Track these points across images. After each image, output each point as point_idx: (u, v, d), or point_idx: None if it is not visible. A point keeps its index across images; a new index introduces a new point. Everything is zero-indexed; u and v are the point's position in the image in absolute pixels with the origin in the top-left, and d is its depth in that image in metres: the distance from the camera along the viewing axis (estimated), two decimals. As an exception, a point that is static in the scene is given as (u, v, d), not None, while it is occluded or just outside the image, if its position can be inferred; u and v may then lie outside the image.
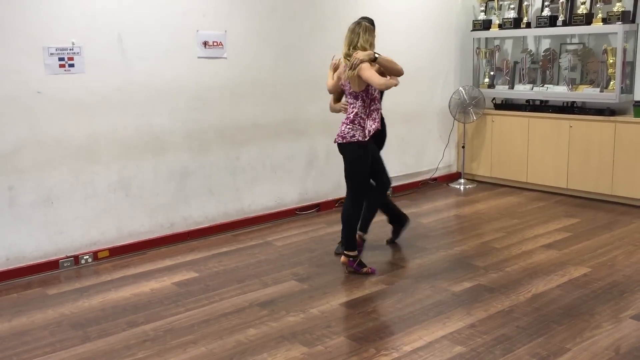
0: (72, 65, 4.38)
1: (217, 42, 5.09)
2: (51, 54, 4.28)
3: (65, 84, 4.37)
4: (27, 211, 4.33)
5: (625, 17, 5.65)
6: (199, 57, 5.02)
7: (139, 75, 4.71)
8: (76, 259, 4.57)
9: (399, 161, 6.66)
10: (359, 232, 4.44)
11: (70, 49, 4.36)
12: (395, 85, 4.13)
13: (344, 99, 4.34)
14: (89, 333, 3.45)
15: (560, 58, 6.31)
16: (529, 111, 6.50)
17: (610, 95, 5.77)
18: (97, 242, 4.67)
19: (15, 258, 4.32)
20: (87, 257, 4.61)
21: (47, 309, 3.82)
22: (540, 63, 6.48)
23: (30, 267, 4.38)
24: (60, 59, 4.33)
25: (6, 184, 4.22)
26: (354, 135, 4.11)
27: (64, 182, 4.46)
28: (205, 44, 5.03)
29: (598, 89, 5.91)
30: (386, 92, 6.73)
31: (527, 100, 6.58)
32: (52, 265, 4.47)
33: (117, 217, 4.75)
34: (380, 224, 4.89)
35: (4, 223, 4.24)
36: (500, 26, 6.65)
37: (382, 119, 4.33)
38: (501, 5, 6.76)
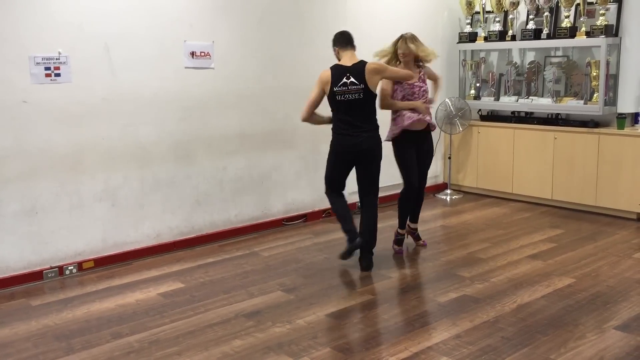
0: (58, 75, 4.36)
1: (204, 53, 5.10)
2: (37, 63, 4.27)
3: (51, 94, 4.35)
4: (11, 221, 4.29)
5: (609, 30, 5.73)
6: (186, 67, 5.02)
7: (126, 85, 4.70)
8: (60, 269, 4.53)
9: (386, 172, 6.59)
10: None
11: (56, 59, 4.35)
12: None
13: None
14: (73, 344, 3.42)
15: (544, 70, 6.38)
16: (514, 123, 6.56)
17: (594, 108, 5.85)
18: (82, 252, 4.64)
19: (-2, 269, 4.29)
20: (72, 267, 4.57)
21: (31, 320, 3.78)
22: (525, 75, 6.55)
23: (13, 278, 4.33)
24: (47, 69, 4.31)
25: (-10, 194, 4.19)
26: None
27: (49, 192, 4.43)
28: (192, 54, 5.03)
29: (582, 102, 5.98)
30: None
31: (513, 112, 6.65)
32: (36, 275, 4.43)
33: (102, 228, 4.72)
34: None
35: (-13, 233, 4.21)
36: (486, 39, 6.72)
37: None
38: (487, 18, 6.83)
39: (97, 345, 3.40)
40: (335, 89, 4.31)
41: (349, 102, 4.32)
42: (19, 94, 4.23)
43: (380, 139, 4.50)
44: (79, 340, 3.47)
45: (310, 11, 5.82)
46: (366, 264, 4.53)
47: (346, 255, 4.48)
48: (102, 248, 4.73)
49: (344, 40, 4.43)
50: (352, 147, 4.39)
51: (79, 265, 4.61)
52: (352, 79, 4.29)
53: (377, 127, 4.49)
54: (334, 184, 4.60)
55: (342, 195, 4.63)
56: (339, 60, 4.44)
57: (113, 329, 3.62)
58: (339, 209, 4.59)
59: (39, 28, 4.27)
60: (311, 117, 4.48)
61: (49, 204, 4.44)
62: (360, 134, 4.38)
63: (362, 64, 4.34)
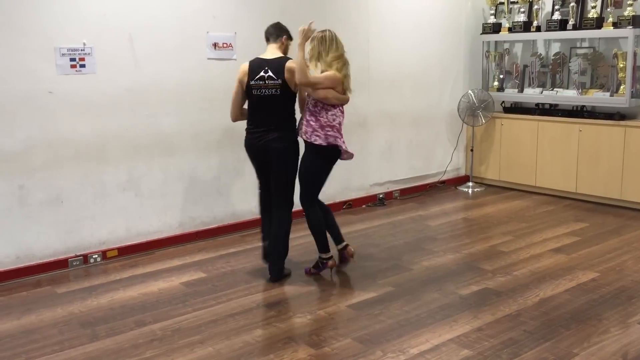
0: (83, 66, 4.41)
1: (226, 44, 5.11)
2: (63, 54, 4.32)
3: (76, 84, 4.40)
4: (37, 210, 4.36)
5: (636, 21, 5.62)
6: (208, 59, 5.04)
7: (149, 76, 4.74)
8: (85, 258, 4.60)
9: (408, 164, 6.66)
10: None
11: (81, 50, 4.40)
12: None
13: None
14: (98, 332, 3.47)
15: (570, 62, 6.29)
16: (539, 115, 6.48)
17: (620, 100, 5.75)
18: (106, 241, 4.70)
19: (25, 256, 4.35)
20: (96, 256, 4.64)
21: (56, 307, 3.84)
22: (550, 67, 6.46)
23: (39, 266, 4.41)
24: (72, 60, 4.36)
25: (17, 183, 4.25)
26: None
27: (73, 182, 4.49)
28: (215, 45, 5.05)
29: (608, 93, 5.88)
30: (396, 94, 6.73)
31: (537, 104, 6.56)
32: (62, 264, 4.50)
33: (126, 217, 4.77)
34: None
35: (14, 222, 4.28)
36: (510, 29, 6.64)
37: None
38: (511, 8, 6.74)
39: (121, 333, 3.45)
40: (252, 83, 3.98)
41: (266, 98, 3.97)
42: (45, 85, 4.28)
43: (296, 142, 4.09)
44: (104, 327, 3.53)
45: (332, 2, 5.79)
46: (276, 273, 4.18)
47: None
48: (125, 237, 4.79)
49: (267, 33, 4.15)
50: (262, 147, 4.02)
51: (103, 254, 4.68)
52: (270, 73, 3.96)
53: (293, 128, 4.09)
54: (262, 187, 4.26)
55: (267, 210, 4.24)
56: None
57: (137, 317, 3.67)
58: (264, 225, 4.30)
59: (65, 19, 4.31)
60: (241, 115, 4.17)
61: (74, 193, 4.50)
62: (272, 133, 4.00)
63: (284, 59, 4.01)
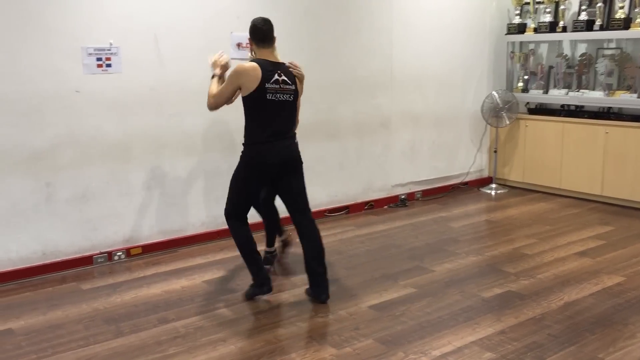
0: (109, 65, 4.47)
1: (250, 44, 5.13)
2: (89, 54, 4.38)
3: (102, 84, 4.46)
4: (63, 207, 4.43)
5: (665, 21, 5.53)
6: (232, 59, 5.03)
7: (174, 76, 4.78)
8: (109, 255, 4.66)
9: (430, 165, 6.62)
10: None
11: (107, 49, 4.45)
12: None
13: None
14: (122, 328, 3.51)
15: (596, 63, 6.20)
16: (564, 116, 6.40)
17: (648, 102, 5.66)
18: (130, 239, 4.76)
19: (51, 253, 4.42)
20: (120, 253, 4.69)
21: (81, 303, 3.90)
22: (576, 68, 6.37)
23: (65, 262, 4.47)
24: (98, 59, 4.42)
25: (44, 180, 4.32)
26: None
27: (99, 180, 4.55)
28: (239, 45, 5.08)
29: (635, 95, 5.79)
30: (420, 95, 6.70)
31: (562, 105, 6.49)
32: (86, 260, 4.56)
33: (149, 215, 4.82)
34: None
35: (41, 218, 4.35)
36: (536, 30, 6.57)
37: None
38: (537, 8, 6.67)
39: (145, 330, 3.49)
40: (267, 86, 3.62)
41: (280, 103, 3.69)
42: (72, 84, 4.35)
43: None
44: (128, 324, 3.57)
45: (355, 2, 5.79)
46: (325, 296, 3.83)
47: (250, 297, 3.91)
48: (149, 235, 4.84)
49: (265, 35, 3.76)
50: (277, 158, 3.74)
51: (127, 252, 4.73)
52: (284, 77, 3.70)
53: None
54: (240, 209, 3.90)
55: (247, 224, 3.92)
56: (255, 55, 3.81)
57: (160, 314, 3.70)
58: (248, 242, 3.87)
59: (92, 19, 4.37)
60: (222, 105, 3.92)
61: (99, 191, 4.56)
62: (287, 140, 3.81)
63: (286, 65, 3.80)
